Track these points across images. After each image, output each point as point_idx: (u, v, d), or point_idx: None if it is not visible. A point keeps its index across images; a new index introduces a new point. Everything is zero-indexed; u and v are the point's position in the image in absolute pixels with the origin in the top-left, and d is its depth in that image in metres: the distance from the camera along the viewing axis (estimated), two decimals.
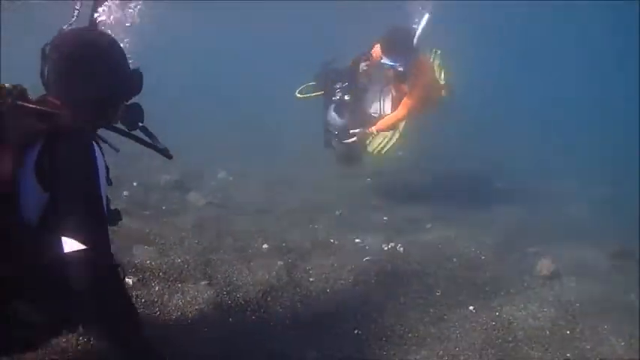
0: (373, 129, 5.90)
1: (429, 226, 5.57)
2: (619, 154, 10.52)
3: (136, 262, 3.66)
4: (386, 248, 4.64)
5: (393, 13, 6.90)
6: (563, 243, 5.25)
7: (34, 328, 1.80)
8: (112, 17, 2.26)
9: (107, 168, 1.88)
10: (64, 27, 1.98)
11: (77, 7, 2.06)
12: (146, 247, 4.00)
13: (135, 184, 6.30)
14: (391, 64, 5.58)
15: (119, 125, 2.14)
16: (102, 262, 1.72)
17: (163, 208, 5.50)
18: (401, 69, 5.58)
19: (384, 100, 6.18)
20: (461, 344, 3.13)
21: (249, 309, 3.24)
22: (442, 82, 6.21)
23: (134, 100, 2.14)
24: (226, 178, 7.48)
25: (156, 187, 6.38)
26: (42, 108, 1.78)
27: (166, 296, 3.20)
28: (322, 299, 3.53)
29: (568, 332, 3.36)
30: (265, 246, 4.45)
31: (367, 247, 4.65)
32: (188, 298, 3.21)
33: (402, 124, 6.05)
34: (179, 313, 3.04)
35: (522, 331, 3.33)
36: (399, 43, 5.56)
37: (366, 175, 7.45)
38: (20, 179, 1.65)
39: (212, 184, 7.10)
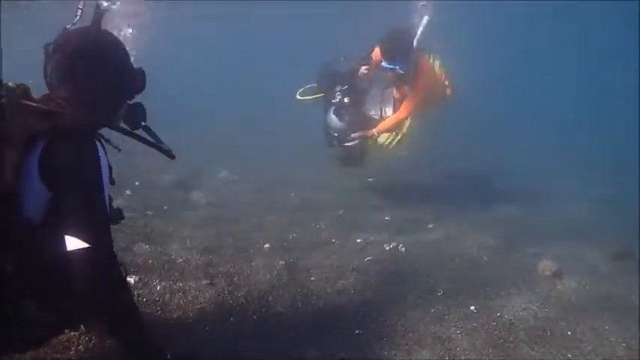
0: (374, 131, 5.90)
1: (430, 226, 5.57)
2: (619, 154, 10.52)
3: (138, 261, 3.67)
4: (387, 248, 4.64)
5: (394, 13, 6.90)
6: (563, 243, 5.26)
7: (37, 326, 1.80)
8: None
9: (110, 167, 1.88)
10: (68, 26, 1.98)
11: (80, 7, 2.06)
12: (148, 246, 4.01)
13: (137, 183, 6.31)
14: (391, 67, 5.59)
15: (122, 124, 2.14)
16: (104, 261, 1.72)
17: (165, 207, 5.50)
18: (401, 72, 5.59)
19: (385, 103, 6.18)
20: (462, 344, 3.13)
21: (250, 309, 3.24)
22: (446, 83, 6.21)
23: (136, 99, 2.14)
24: (228, 178, 7.48)
25: (158, 186, 6.39)
26: (45, 107, 1.78)
27: (167, 295, 3.20)
28: (323, 299, 3.54)
29: (569, 332, 3.37)
30: (266, 246, 4.46)
31: (368, 247, 4.66)
32: (189, 298, 3.22)
33: (405, 125, 6.05)
34: (180, 313, 3.05)
35: (523, 331, 3.33)
36: (399, 46, 5.57)
37: (366, 175, 7.45)
38: (23, 178, 1.65)
39: (213, 184, 7.11)
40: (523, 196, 7.30)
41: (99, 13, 1.99)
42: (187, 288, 3.33)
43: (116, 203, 2.14)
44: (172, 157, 2.24)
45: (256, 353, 2.75)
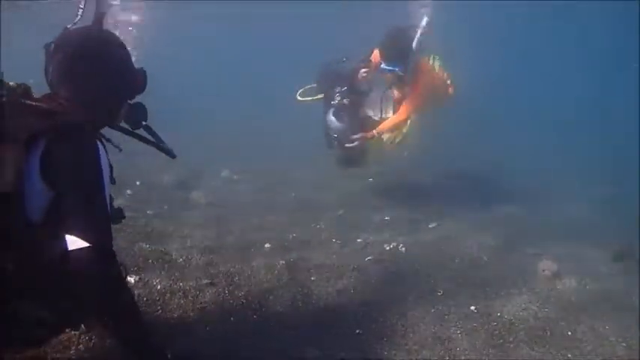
0: (374, 132, 5.90)
1: (431, 226, 5.58)
2: (619, 154, 10.52)
3: (138, 260, 3.67)
4: (387, 248, 4.64)
5: (394, 13, 6.91)
6: (563, 243, 5.26)
7: (37, 326, 1.80)
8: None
9: (111, 167, 1.88)
10: (69, 26, 1.98)
11: (81, 6, 2.06)
12: (148, 245, 4.02)
13: (138, 182, 6.32)
14: (390, 68, 5.60)
15: (123, 124, 2.15)
16: (105, 260, 1.72)
17: (165, 207, 5.51)
18: (401, 73, 5.60)
19: (385, 104, 6.19)
20: (462, 344, 3.13)
21: (250, 308, 3.24)
22: (448, 82, 6.22)
23: (137, 99, 2.14)
24: (228, 178, 7.49)
25: (159, 186, 6.39)
26: (46, 106, 1.78)
27: (168, 295, 3.20)
28: (323, 299, 3.54)
29: (569, 332, 3.37)
30: (267, 245, 4.46)
31: (369, 247, 4.66)
32: (189, 298, 3.22)
33: (406, 126, 6.05)
34: (180, 312, 3.05)
35: (523, 331, 3.33)
36: (398, 48, 5.57)
37: (366, 176, 7.45)
38: (25, 178, 1.65)
39: (213, 184, 7.11)
40: (523, 196, 7.30)
41: (100, 13, 1.99)
42: (187, 288, 3.33)
43: (117, 203, 2.14)
44: (173, 156, 2.25)
45: (256, 353, 2.75)
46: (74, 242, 1.66)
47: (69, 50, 1.89)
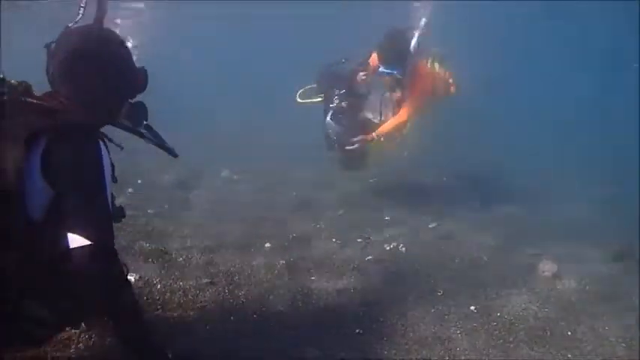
0: (374, 135, 5.91)
1: (431, 226, 5.58)
2: (619, 154, 10.51)
3: (139, 259, 3.67)
4: (387, 248, 4.65)
5: (394, 13, 6.91)
6: (563, 243, 5.25)
7: (38, 325, 1.80)
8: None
9: (112, 165, 1.88)
10: (70, 25, 1.98)
11: (82, 5, 2.06)
12: (148, 244, 4.02)
13: (139, 181, 6.32)
14: (388, 71, 5.61)
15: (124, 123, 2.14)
16: (106, 259, 1.72)
17: (166, 206, 5.51)
18: (399, 76, 5.61)
19: (384, 107, 6.19)
20: (462, 344, 3.13)
21: (250, 308, 3.24)
22: (450, 81, 6.22)
23: (137, 98, 2.14)
24: (228, 178, 7.49)
25: (160, 185, 6.40)
26: (47, 105, 1.78)
27: (168, 294, 3.20)
28: (324, 298, 3.54)
29: (569, 332, 3.37)
30: (267, 245, 4.46)
31: (369, 247, 4.67)
32: (189, 297, 3.22)
33: (405, 128, 6.05)
34: (180, 312, 3.05)
35: (523, 331, 3.33)
36: (396, 51, 5.59)
37: (367, 176, 7.45)
38: (26, 176, 1.65)
39: (214, 184, 7.11)
40: (523, 196, 7.30)
41: (101, 12, 1.99)
42: (188, 287, 3.33)
43: (118, 201, 2.14)
44: (175, 155, 2.26)
45: (256, 353, 2.75)
46: (76, 240, 1.66)
47: (69, 49, 1.89)
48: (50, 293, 1.78)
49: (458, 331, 3.28)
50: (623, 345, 3.26)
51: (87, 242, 1.65)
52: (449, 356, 3.01)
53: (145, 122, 2.16)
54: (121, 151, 2.16)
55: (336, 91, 5.94)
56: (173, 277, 3.48)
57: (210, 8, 13.11)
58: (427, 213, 6.02)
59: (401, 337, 3.16)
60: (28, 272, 1.70)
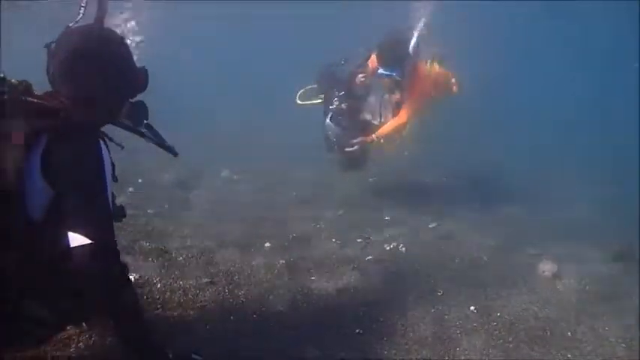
0: (374, 137, 5.91)
1: (431, 226, 5.58)
2: (619, 154, 10.50)
3: (139, 258, 3.67)
4: (387, 248, 4.65)
5: (394, 13, 6.90)
6: (563, 243, 5.25)
7: (38, 325, 1.80)
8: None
9: (113, 164, 1.88)
10: (71, 24, 1.98)
11: (83, 5, 2.06)
12: (148, 244, 4.02)
13: (140, 180, 6.32)
14: (387, 73, 5.61)
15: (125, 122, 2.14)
16: (107, 258, 1.72)
17: (166, 206, 5.51)
18: (398, 78, 5.61)
19: (383, 108, 6.20)
20: (462, 344, 3.13)
21: (250, 308, 3.24)
22: (452, 80, 6.22)
23: (138, 97, 2.14)
24: (228, 178, 7.49)
25: (160, 184, 6.40)
26: (48, 104, 1.78)
27: (168, 294, 3.21)
28: (324, 298, 3.54)
29: (569, 333, 3.37)
30: (267, 245, 4.46)
31: (369, 247, 4.66)
32: (189, 296, 3.22)
33: (405, 129, 6.05)
34: (180, 311, 3.05)
35: (523, 331, 3.33)
36: (395, 53, 5.59)
37: (367, 176, 7.44)
38: (26, 176, 1.65)
39: (214, 184, 7.11)
40: (523, 196, 7.30)
41: (102, 12, 1.99)
42: (187, 286, 3.33)
43: (119, 200, 2.14)
44: (175, 154, 2.26)
45: (256, 352, 2.75)
46: (76, 239, 1.65)
47: (70, 49, 1.89)
48: (50, 293, 1.78)
49: (458, 331, 3.28)
50: (623, 345, 3.26)
51: (87, 241, 1.65)
52: (449, 356, 3.02)
53: (145, 121, 2.16)
54: (122, 150, 2.17)
55: (336, 93, 5.95)
56: (173, 276, 3.48)
57: (210, 8, 13.13)
58: (427, 213, 6.02)
59: (401, 337, 3.16)
60: (28, 272, 1.70)
